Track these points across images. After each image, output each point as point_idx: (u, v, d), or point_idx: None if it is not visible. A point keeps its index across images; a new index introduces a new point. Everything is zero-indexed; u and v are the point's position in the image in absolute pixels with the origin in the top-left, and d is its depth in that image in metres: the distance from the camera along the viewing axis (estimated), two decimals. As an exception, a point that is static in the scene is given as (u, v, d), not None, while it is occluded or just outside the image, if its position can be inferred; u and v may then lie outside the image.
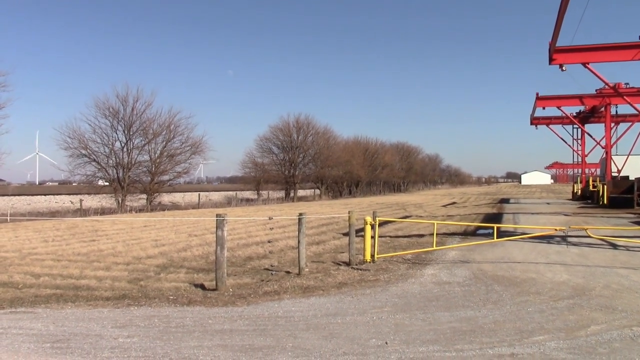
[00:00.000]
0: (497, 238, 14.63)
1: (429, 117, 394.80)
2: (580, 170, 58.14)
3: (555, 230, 14.59)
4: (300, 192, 73.93)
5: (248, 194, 72.11)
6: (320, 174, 72.49)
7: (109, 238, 19.71)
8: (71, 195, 69.56)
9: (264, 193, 68.34)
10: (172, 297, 10.01)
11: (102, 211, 40.83)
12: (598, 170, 59.19)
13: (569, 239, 16.83)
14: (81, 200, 41.60)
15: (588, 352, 6.34)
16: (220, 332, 7.35)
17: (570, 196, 58.22)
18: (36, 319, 8.37)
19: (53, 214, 41.87)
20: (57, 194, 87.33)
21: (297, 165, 70.61)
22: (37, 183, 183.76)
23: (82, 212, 38.99)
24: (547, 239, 17.23)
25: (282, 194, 69.60)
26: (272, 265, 13.50)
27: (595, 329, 7.28)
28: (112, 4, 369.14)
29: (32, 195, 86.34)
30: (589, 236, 14.71)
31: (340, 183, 79.38)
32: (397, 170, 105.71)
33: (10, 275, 12.57)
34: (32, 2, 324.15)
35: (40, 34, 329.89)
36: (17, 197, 79.09)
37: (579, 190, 52.20)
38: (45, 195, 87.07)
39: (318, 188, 74.91)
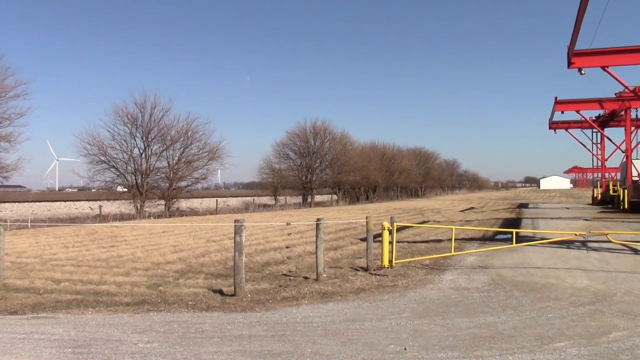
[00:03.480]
0: (516, 243, 14.51)
1: (446, 122, 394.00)
2: (600, 175, 57.56)
3: (575, 235, 14.44)
4: (318, 198, 73.96)
5: (265, 200, 72.32)
6: (338, 180, 72.44)
7: (128, 244, 19.87)
8: (90, 202, 70.21)
9: (282, 199, 68.50)
10: (191, 303, 10.06)
11: (121, 217, 41.13)
12: (618, 175, 58.54)
13: (589, 244, 16.64)
14: (100, 207, 41.96)
15: (610, 358, 6.27)
16: (239, 338, 7.38)
17: (590, 201, 57.57)
18: (57, 324, 8.45)
19: (73, 220, 42.27)
20: (77, 200, 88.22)
21: (314, 170, 70.64)
22: (57, 189, 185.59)
23: (101, 218, 39.34)
24: (566, 244, 17.07)
25: (299, 199, 69.69)
26: (290, 271, 13.52)
27: (617, 336, 7.20)
28: (129, 13, 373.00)
29: (52, 201, 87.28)
30: (609, 241, 14.56)
31: (358, 188, 79.28)
32: (415, 175, 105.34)
33: (31, 280, 12.71)
34: (52, 13, 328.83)
35: (60, 43, 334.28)
36: (37, 203, 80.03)
37: (599, 195, 51.62)
38: (65, 201, 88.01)
39: (335, 193, 74.86)
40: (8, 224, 29.51)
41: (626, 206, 36.76)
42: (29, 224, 31.45)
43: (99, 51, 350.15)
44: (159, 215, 43.41)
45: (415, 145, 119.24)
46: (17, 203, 74.67)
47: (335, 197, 74.68)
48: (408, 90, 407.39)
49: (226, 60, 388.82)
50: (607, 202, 46.67)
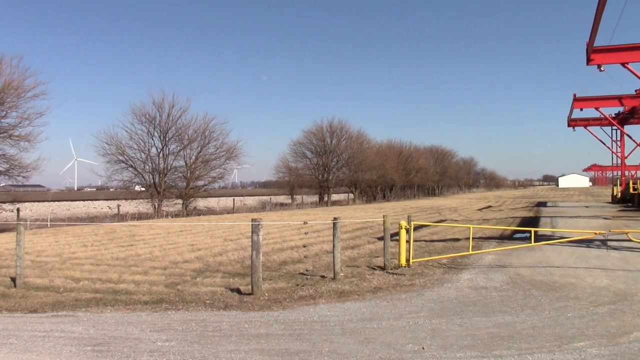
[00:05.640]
0: (534, 242, 14.39)
1: (463, 120, 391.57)
2: (619, 173, 56.90)
3: (595, 234, 14.30)
4: (334, 197, 73.89)
5: (282, 199, 72.42)
6: (354, 178, 72.32)
7: (146, 243, 19.98)
8: (109, 201, 70.85)
9: (298, 197, 68.49)
10: (208, 302, 10.11)
11: (139, 216, 41.37)
12: (638, 173, 57.90)
13: (609, 243, 16.48)
14: (118, 206, 42.31)
15: (631, 359, 6.20)
16: (256, 337, 7.39)
17: (609, 199, 56.99)
18: (77, 322, 8.53)
19: (92, 219, 42.63)
20: (95, 200, 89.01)
21: (330, 169, 70.57)
22: (76, 189, 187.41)
23: (119, 217, 39.62)
24: (586, 243, 16.91)
25: (315, 198, 69.65)
26: (307, 270, 13.52)
27: (638, 335, 7.11)
28: (148, 15, 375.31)
29: (71, 200, 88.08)
30: (630, 240, 14.40)
31: (374, 187, 79.04)
32: (432, 174, 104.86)
33: (51, 279, 12.84)
34: (70, 15, 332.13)
35: (80, 44, 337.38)
36: (56, 202, 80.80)
37: (619, 193, 51.07)
38: (83, 200, 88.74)
39: (352, 192, 74.74)
40: (28, 223, 29.84)
41: (646, 205, 36.29)
42: (49, 223, 31.76)
43: (117, 52, 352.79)
44: (176, 215, 43.59)
45: (432, 143, 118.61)
46: (36, 202, 75.45)
47: (351, 195, 74.56)
48: (424, 88, 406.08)
49: (243, 59, 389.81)
50: (627, 201, 46.14)
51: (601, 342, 6.84)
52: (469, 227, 14.79)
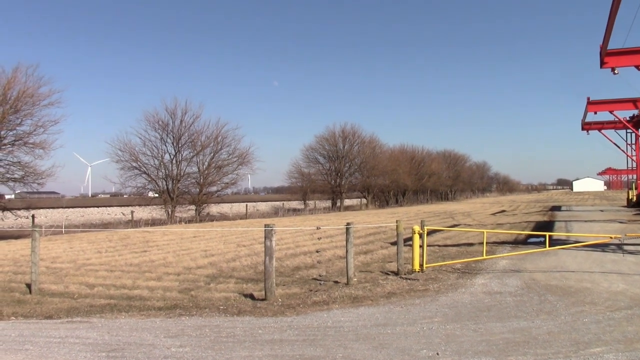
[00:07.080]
0: (549, 246, 14.29)
1: (476, 124, 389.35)
2: (635, 176, 56.39)
3: (611, 238, 14.16)
4: (347, 202, 73.89)
5: (295, 204, 72.55)
6: (367, 183, 72.32)
7: (159, 249, 20.07)
8: (123, 207, 71.30)
9: (311, 203, 68.52)
10: (222, 307, 10.12)
11: (153, 222, 41.57)
12: (654, 176, 57.30)
13: (625, 247, 16.31)
14: (132, 212, 42.58)
15: (649, 364, 6.13)
16: (270, 342, 7.39)
17: (624, 203, 56.46)
18: (92, 328, 8.57)
19: (106, 225, 42.94)
20: (109, 206, 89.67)
21: (343, 174, 70.65)
22: (90, 195, 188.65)
23: (133, 223, 39.85)
24: (601, 247, 16.75)
25: (328, 203, 69.65)
26: (320, 275, 13.51)
27: (656, 341, 7.03)
28: (157, 22, 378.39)
29: (86, 207, 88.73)
30: (646, 244, 14.26)
31: (387, 192, 78.98)
32: (444, 178, 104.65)
33: (66, 285, 12.92)
34: (83, 23, 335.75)
35: (93, 52, 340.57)
36: (71, 209, 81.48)
37: (634, 197, 50.58)
38: (98, 207, 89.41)
39: (364, 197, 74.74)
40: (43, 229, 30.02)
41: (662, 208, 35.90)
42: (63, 230, 32.02)
43: (128, 59, 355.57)
44: (189, 220, 43.80)
45: (445, 148, 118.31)
46: (51, 209, 76.08)
47: (364, 201, 74.54)
48: (437, 93, 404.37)
49: (254, 65, 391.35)
50: (643, 205, 45.71)
51: (618, 347, 6.77)
52: (483, 232, 14.70)
